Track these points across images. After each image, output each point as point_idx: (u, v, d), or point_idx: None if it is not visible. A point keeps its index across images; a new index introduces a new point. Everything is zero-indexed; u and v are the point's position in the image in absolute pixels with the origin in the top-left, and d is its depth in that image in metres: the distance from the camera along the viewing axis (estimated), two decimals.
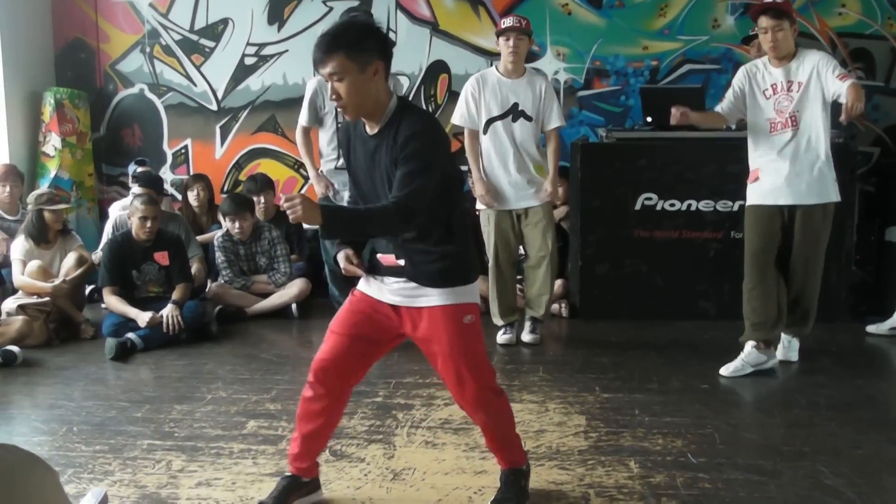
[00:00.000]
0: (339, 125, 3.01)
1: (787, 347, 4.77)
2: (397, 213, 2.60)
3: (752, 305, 4.60)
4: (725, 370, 4.56)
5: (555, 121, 5.05)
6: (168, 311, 5.30)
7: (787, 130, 4.49)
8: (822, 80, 4.41)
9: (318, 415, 2.97)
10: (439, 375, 2.94)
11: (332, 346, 2.91)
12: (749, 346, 4.61)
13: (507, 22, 5.00)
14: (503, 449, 3.06)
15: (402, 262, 2.79)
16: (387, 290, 2.86)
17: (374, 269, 2.89)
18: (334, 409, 3.01)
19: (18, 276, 5.55)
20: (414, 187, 2.62)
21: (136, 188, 6.11)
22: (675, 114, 4.53)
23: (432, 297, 2.80)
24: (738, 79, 4.65)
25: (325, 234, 2.68)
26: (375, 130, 2.72)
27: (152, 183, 6.08)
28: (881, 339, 5.33)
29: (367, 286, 2.93)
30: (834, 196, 4.54)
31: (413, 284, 2.81)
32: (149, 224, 5.42)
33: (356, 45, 2.62)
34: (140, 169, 6.77)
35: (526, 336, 5.22)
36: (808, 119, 4.46)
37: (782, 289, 4.63)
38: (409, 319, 2.85)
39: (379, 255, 2.87)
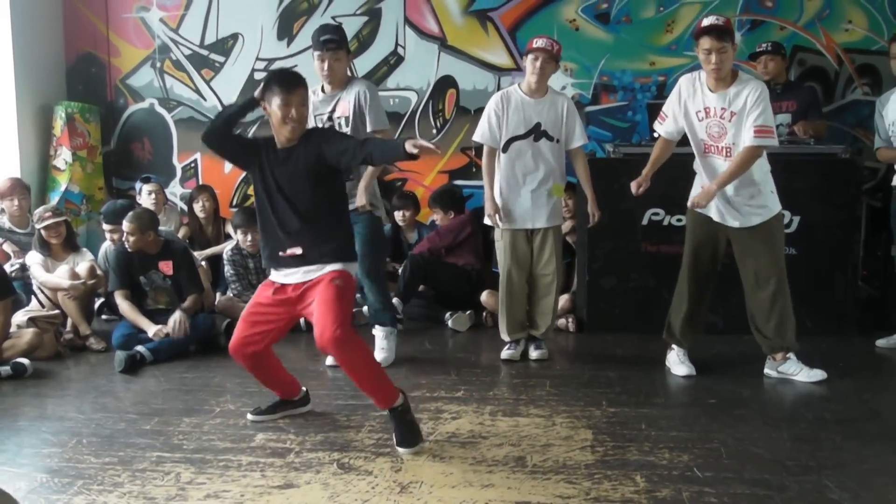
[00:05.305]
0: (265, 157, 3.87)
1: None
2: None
3: None
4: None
5: (577, 139, 5.06)
6: (176, 317, 5.35)
7: (720, 157, 4.57)
8: (744, 116, 4.45)
9: (257, 373, 4.05)
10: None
11: (240, 331, 3.90)
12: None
13: (538, 43, 4.95)
14: (377, 390, 3.74)
15: (299, 251, 3.76)
16: (293, 276, 3.82)
17: (277, 264, 3.84)
18: (264, 362, 4.01)
19: (42, 274, 5.67)
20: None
21: (104, 225, 6.27)
22: (635, 189, 4.74)
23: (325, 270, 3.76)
24: (674, 95, 4.68)
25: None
26: (292, 145, 3.79)
27: (116, 217, 6.04)
28: (887, 353, 5.34)
29: (278, 276, 3.88)
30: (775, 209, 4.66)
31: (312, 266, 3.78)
32: (132, 239, 5.46)
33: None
34: (145, 186, 6.83)
35: (533, 353, 5.23)
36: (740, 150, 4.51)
37: None
38: (303, 293, 3.78)
39: (280, 253, 3.81)
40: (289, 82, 3.74)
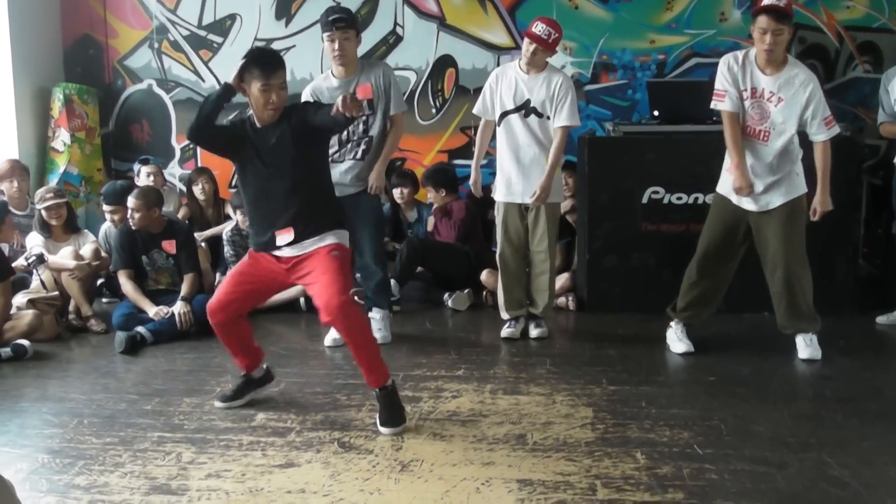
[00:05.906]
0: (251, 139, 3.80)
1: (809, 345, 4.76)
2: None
3: None
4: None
5: (562, 119, 4.94)
6: (178, 309, 5.35)
7: (758, 141, 4.51)
8: (808, 114, 4.40)
9: (230, 338, 4.02)
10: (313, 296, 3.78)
11: (224, 290, 3.95)
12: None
13: (537, 29, 4.88)
14: (372, 364, 3.73)
15: (291, 237, 3.74)
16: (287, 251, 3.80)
17: (270, 248, 3.82)
18: (239, 329, 4.03)
19: (46, 255, 5.65)
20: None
21: (105, 206, 6.21)
22: (747, 190, 4.50)
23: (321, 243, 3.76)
24: (723, 73, 4.53)
25: None
26: (274, 122, 3.74)
27: (116, 198, 6.04)
28: (887, 330, 5.35)
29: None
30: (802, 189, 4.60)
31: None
32: (137, 216, 5.47)
33: None
34: (144, 168, 6.80)
35: (533, 332, 5.23)
36: (779, 135, 4.46)
37: None
38: (297, 263, 3.78)
39: (277, 234, 3.78)
40: (268, 65, 3.67)
